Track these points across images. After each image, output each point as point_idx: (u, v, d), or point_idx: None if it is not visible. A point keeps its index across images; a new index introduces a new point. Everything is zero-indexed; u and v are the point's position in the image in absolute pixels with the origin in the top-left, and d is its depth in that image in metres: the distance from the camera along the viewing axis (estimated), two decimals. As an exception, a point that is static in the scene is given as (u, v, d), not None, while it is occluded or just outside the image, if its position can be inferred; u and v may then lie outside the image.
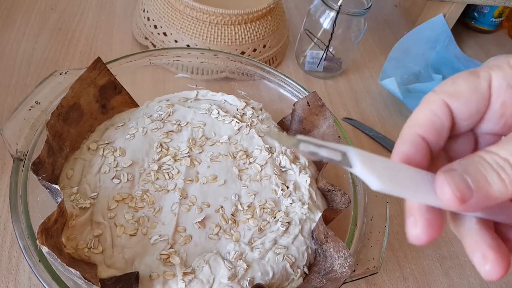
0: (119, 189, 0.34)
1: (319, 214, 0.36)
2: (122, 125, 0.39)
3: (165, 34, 0.53)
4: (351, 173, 0.39)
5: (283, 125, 0.44)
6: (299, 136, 0.16)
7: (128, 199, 0.34)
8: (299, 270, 0.33)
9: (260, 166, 0.38)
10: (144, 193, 0.34)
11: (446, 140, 0.17)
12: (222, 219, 0.34)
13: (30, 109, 0.35)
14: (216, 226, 0.34)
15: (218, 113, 0.41)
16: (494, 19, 0.72)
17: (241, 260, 0.32)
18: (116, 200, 0.33)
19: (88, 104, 0.37)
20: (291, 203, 0.36)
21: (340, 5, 0.50)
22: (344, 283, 0.29)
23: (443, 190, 0.15)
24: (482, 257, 0.16)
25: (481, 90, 0.16)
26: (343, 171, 0.39)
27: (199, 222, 0.33)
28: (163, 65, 0.46)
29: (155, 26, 0.54)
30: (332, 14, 0.52)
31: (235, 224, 0.34)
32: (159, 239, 0.32)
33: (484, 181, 0.15)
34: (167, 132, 0.38)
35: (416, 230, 0.16)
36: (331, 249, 0.32)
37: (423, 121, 0.17)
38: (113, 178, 0.34)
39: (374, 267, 0.32)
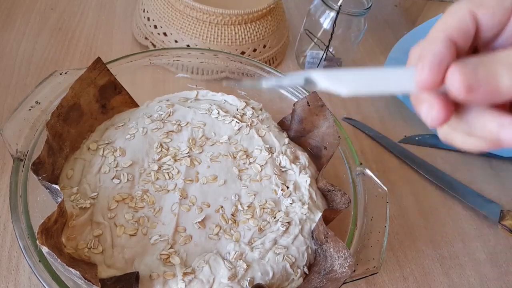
0: (119, 189, 0.34)
1: (319, 214, 0.36)
2: (122, 125, 0.39)
3: (165, 34, 0.53)
4: (351, 173, 0.39)
5: (283, 125, 0.44)
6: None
7: (128, 199, 0.34)
8: (299, 270, 0.33)
9: (260, 166, 0.38)
10: (144, 193, 0.34)
11: (469, 47, 0.18)
12: (222, 219, 0.34)
13: (30, 109, 0.35)
14: (216, 226, 0.34)
15: (218, 113, 0.41)
16: (494, 19, 0.72)
17: (241, 260, 0.32)
18: (116, 200, 0.33)
19: (88, 104, 0.37)
20: (291, 203, 0.36)
21: (340, 5, 0.50)
22: (344, 283, 0.29)
23: (453, 78, 0.16)
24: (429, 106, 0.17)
25: (506, 4, 0.17)
26: (343, 172, 0.39)
27: (199, 222, 0.33)
28: (163, 65, 0.46)
29: (155, 26, 0.54)
30: (332, 14, 0.52)
31: (235, 224, 0.34)
32: (159, 239, 0.32)
33: (494, 75, 0.15)
34: (167, 132, 0.38)
35: (433, 112, 0.17)
36: (331, 249, 0.32)
37: (453, 25, 0.17)
38: (113, 178, 0.34)
39: (374, 267, 0.32)
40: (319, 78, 0.18)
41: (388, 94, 0.18)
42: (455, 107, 0.18)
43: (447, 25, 0.18)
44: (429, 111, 0.17)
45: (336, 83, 0.18)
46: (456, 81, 0.16)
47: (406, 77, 0.18)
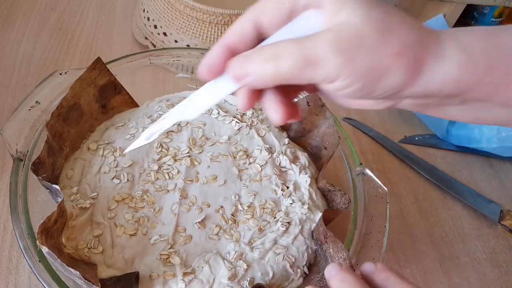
0: (119, 189, 0.34)
1: (319, 214, 0.36)
2: (122, 125, 0.39)
3: (165, 34, 0.53)
4: (351, 173, 0.39)
5: (283, 125, 0.44)
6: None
7: (128, 199, 0.34)
8: (299, 270, 0.33)
9: (260, 166, 0.38)
10: (144, 193, 0.34)
11: (252, 46, 0.22)
12: (222, 219, 0.34)
13: (30, 109, 0.35)
14: (216, 226, 0.34)
15: (218, 113, 0.41)
16: (494, 19, 0.72)
17: (241, 260, 0.32)
18: (116, 200, 0.33)
19: (88, 104, 0.37)
20: (291, 203, 0.36)
21: (340, 5, 0.50)
22: None
23: (228, 72, 0.21)
24: (274, 110, 0.22)
25: (284, 11, 0.21)
26: (343, 171, 0.39)
27: (199, 222, 0.33)
28: (163, 65, 0.46)
29: (155, 26, 0.54)
30: (332, 14, 0.52)
31: (235, 224, 0.34)
32: (159, 239, 0.32)
33: (255, 65, 0.20)
34: (167, 132, 0.38)
35: (278, 115, 0.22)
36: (331, 250, 0.32)
37: (233, 33, 0.22)
38: (113, 178, 0.34)
39: (374, 267, 0.32)
40: (173, 120, 0.24)
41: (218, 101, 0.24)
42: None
43: (228, 34, 0.22)
44: (274, 113, 0.22)
45: (185, 115, 0.23)
46: (230, 74, 0.21)
47: (219, 85, 0.22)
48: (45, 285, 0.28)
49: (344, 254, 0.30)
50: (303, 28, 0.20)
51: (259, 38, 0.22)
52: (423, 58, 0.20)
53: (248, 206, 0.35)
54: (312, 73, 0.19)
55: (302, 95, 0.39)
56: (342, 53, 0.19)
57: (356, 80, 0.20)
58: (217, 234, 0.33)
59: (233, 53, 0.21)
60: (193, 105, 0.23)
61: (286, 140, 0.41)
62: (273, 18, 0.21)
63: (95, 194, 0.33)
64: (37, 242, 0.26)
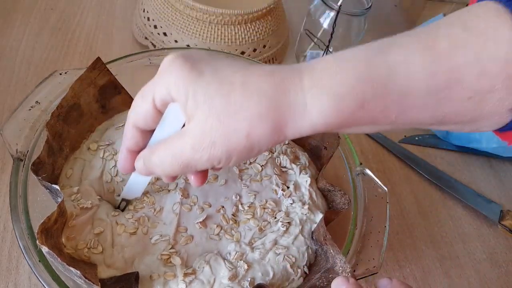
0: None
1: (319, 215, 0.36)
2: (122, 126, 0.38)
3: (165, 34, 0.53)
4: (351, 173, 0.39)
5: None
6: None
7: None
8: (299, 270, 0.33)
9: (261, 166, 0.38)
10: (145, 195, 0.34)
11: (145, 142, 0.26)
12: (223, 219, 0.34)
13: (30, 109, 0.35)
14: (217, 226, 0.34)
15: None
16: (494, 19, 0.72)
17: (242, 261, 0.32)
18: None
19: (88, 104, 0.37)
20: (291, 203, 0.36)
21: (340, 5, 0.50)
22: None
23: (136, 167, 0.26)
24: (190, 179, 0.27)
25: (151, 113, 0.24)
26: (343, 172, 0.39)
27: (200, 222, 0.33)
28: (163, 65, 0.46)
29: (155, 26, 0.54)
30: (332, 14, 0.52)
31: (235, 224, 0.34)
32: (160, 239, 0.32)
33: (154, 169, 0.25)
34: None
35: (193, 181, 0.27)
36: (331, 251, 0.32)
37: (128, 141, 0.26)
38: (114, 189, 0.34)
39: (374, 267, 0.32)
40: (126, 196, 0.33)
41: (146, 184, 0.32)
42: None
43: (124, 140, 0.26)
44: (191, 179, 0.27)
45: (132, 194, 0.33)
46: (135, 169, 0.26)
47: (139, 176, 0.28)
48: (45, 285, 0.28)
49: (342, 258, 0.30)
50: (173, 123, 0.24)
51: (147, 132, 0.25)
52: (279, 122, 0.21)
53: (249, 206, 0.35)
54: (193, 168, 0.23)
55: None
56: (200, 152, 0.21)
57: (230, 161, 0.22)
58: (218, 234, 0.33)
59: (133, 153, 0.26)
60: (132, 189, 0.32)
61: (286, 140, 0.41)
62: (146, 120, 0.24)
63: (99, 197, 0.33)
64: (37, 242, 0.26)
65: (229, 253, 0.32)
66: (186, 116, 0.22)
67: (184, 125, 0.23)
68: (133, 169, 0.26)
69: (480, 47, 0.19)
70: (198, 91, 0.21)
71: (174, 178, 0.29)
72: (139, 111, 0.24)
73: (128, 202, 0.33)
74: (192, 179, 0.27)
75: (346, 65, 0.20)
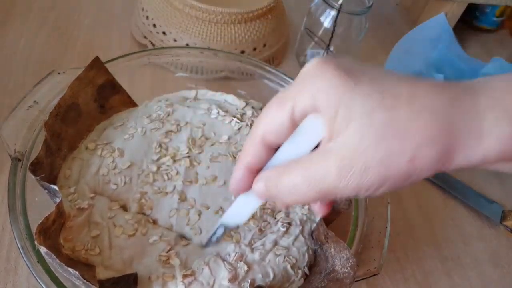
0: (117, 192, 0.34)
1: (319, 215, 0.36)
2: (120, 125, 0.38)
3: (164, 33, 0.53)
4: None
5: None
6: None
7: (125, 205, 0.33)
8: (300, 271, 0.33)
9: (260, 166, 0.38)
10: (143, 196, 0.34)
11: (268, 159, 0.22)
12: (222, 220, 0.34)
13: (28, 109, 0.35)
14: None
15: (218, 113, 0.40)
16: (495, 18, 0.72)
17: (242, 262, 0.31)
18: (114, 201, 0.33)
19: (86, 104, 0.37)
20: (291, 204, 0.36)
21: (341, 4, 0.50)
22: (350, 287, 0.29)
23: (256, 195, 0.22)
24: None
25: (285, 125, 0.20)
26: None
27: (197, 227, 0.33)
28: (162, 64, 0.45)
29: (154, 25, 0.53)
30: (333, 13, 0.52)
31: (235, 225, 0.34)
32: (158, 240, 0.32)
33: (279, 196, 0.21)
34: (166, 132, 0.38)
35: (319, 210, 0.24)
36: (332, 250, 0.31)
37: (250, 157, 0.22)
38: (110, 180, 0.34)
39: (375, 268, 0.32)
40: (227, 222, 0.27)
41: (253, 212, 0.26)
42: None
43: (244, 155, 0.22)
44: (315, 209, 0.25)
45: (236, 220, 0.27)
46: (256, 194, 0.22)
47: (252, 195, 0.23)
48: (43, 286, 0.27)
49: (347, 253, 0.29)
50: (307, 139, 0.20)
51: (272, 148, 0.21)
52: (450, 148, 0.17)
53: (248, 207, 0.35)
54: (331, 197, 0.19)
55: None
56: (349, 178, 0.18)
57: (379, 189, 0.18)
58: None
59: (253, 171, 0.22)
60: (235, 217, 0.27)
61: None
62: (278, 133, 0.20)
63: (93, 195, 0.33)
64: (35, 242, 0.26)
65: (229, 254, 0.32)
66: (330, 132, 0.18)
67: (318, 144, 0.20)
68: (244, 190, 0.23)
69: None
70: (354, 103, 0.17)
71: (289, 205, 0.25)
72: (272, 121, 0.20)
73: (224, 232, 0.28)
74: (317, 207, 0.23)
75: None
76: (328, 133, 0.18)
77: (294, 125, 0.20)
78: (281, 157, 0.21)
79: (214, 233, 0.28)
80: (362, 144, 0.17)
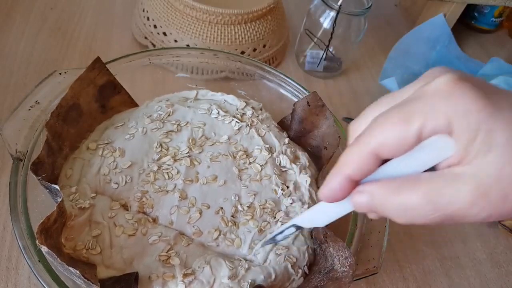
0: (118, 191, 0.34)
1: (319, 214, 0.36)
2: (121, 125, 0.38)
3: (164, 33, 0.53)
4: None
5: (283, 125, 0.43)
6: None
7: (126, 204, 0.34)
8: (300, 270, 0.33)
9: (260, 166, 0.38)
10: (143, 195, 0.34)
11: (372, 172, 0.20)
12: (222, 221, 0.34)
13: (29, 109, 0.35)
14: (215, 230, 0.33)
15: (218, 113, 0.41)
16: (494, 19, 0.72)
17: (243, 260, 0.32)
18: (116, 201, 0.33)
19: (87, 104, 0.37)
20: (291, 203, 0.36)
21: (340, 5, 0.50)
22: (348, 287, 0.29)
23: (356, 203, 0.21)
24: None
25: (408, 141, 0.18)
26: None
27: (198, 226, 0.33)
28: (162, 64, 0.46)
29: (155, 26, 0.54)
30: (332, 13, 0.52)
31: (235, 227, 0.34)
32: (159, 239, 0.32)
33: (377, 204, 0.20)
34: (166, 132, 0.38)
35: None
36: (331, 249, 0.32)
37: (354, 168, 0.20)
38: (112, 179, 0.34)
39: (374, 267, 0.32)
40: (303, 223, 0.27)
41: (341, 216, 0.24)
42: None
43: (348, 165, 0.20)
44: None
45: (313, 225, 0.27)
46: (357, 204, 0.21)
47: (343, 204, 0.22)
48: (44, 285, 0.27)
49: (346, 252, 0.30)
50: (429, 158, 0.18)
51: (380, 160, 0.20)
52: None
53: (248, 207, 0.35)
54: (455, 222, 0.18)
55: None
56: (487, 204, 0.17)
57: (506, 217, 0.18)
58: (216, 239, 0.33)
59: (353, 182, 0.20)
60: (314, 220, 0.25)
61: (286, 140, 0.41)
62: (396, 148, 0.19)
63: (94, 195, 0.33)
64: (37, 241, 0.26)
65: (230, 256, 0.32)
66: (462, 156, 0.17)
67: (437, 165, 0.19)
68: (340, 199, 0.21)
69: None
70: (496, 130, 0.17)
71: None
72: (392, 135, 0.18)
73: (296, 231, 0.27)
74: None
75: None
76: (460, 156, 0.18)
77: (418, 142, 0.18)
78: (391, 170, 0.19)
79: (281, 232, 0.28)
80: (504, 172, 0.17)
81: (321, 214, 0.24)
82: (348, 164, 0.20)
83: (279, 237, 0.29)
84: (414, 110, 0.18)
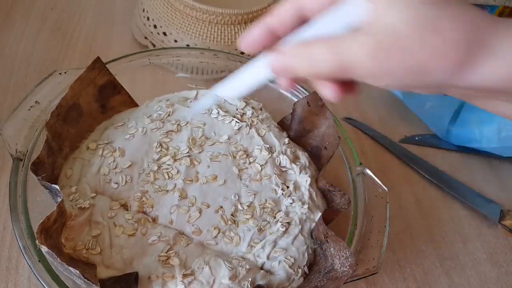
0: (118, 191, 0.34)
1: (319, 214, 0.36)
2: (121, 125, 0.38)
3: (164, 33, 0.53)
4: (351, 173, 0.39)
5: (283, 125, 0.44)
6: None
7: (126, 204, 0.34)
8: (299, 270, 0.33)
9: (260, 165, 0.38)
10: (143, 194, 0.34)
11: (292, 29, 0.22)
12: (221, 220, 0.34)
13: (29, 109, 0.35)
14: (215, 228, 0.33)
15: (218, 112, 0.41)
16: (494, 19, 0.72)
17: (243, 261, 0.32)
18: (115, 201, 0.33)
19: (87, 104, 0.37)
20: (291, 203, 0.36)
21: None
22: (344, 282, 0.29)
23: (267, 65, 0.22)
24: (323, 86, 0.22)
25: None
26: (343, 172, 0.39)
27: (198, 225, 0.33)
28: (162, 64, 0.46)
29: (155, 26, 0.54)
30: (332, 13, 0.52)
31: (234, 225, 0.34)
32: (158, 240, 0.32)
33: (293, 65, 0.21)
34: (166, 132, 0.38)
35: (331, 92, 0.22)
36: (331, 249, 0.32)
37: (276, 18, 0.22)
38: (111, 179, 0.34)
39: (374, 267, 0.32)
40: (223, 93, 0.25)
41: (261, 84, 0.24)
42: None
43: (270, 15, 0.22)
44: (328, 92, 0.23)
45: (234, 92, 0.25)
46: (268, 66, 0.22)
47: (262, 66, 0.22)
48: (44, 285, 0.28)
49: (347, 252, 0.30)
50: (343, 19, 0.19)
51: (300, 19, 0.22)
52: (468, 58, 0.19)
53: (248, 206, 0.35)
54: (348, 75, 0.20)
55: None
56: (377, 58, 0.19)
57: (394, 80, 0.20)
58: (216, 237, 0.33)
59: (272, 34, 0.22)
60: (231, 88, 0.25)
61: (286, 140, 0.41)
62: (315, 2, 0.21)
63: (94, 194, 0.33)
64: (37, 241, 0.26)
65: (229, 256, 0.32)
66: (372, 16, 0.19)
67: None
68: (255, 48, 0.22)
69: None
70: None
71: (293, 84, 0.24)
72: None
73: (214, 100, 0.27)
74: (329, 91, 0.22)
75: None
76: (372, 16, 0.19)
77: (333, 1, 0.20)
78: (309, 31, 0.20)
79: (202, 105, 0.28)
80: (399, 29, 0.18)
81: (239, 81, 0.24)
82: (272, 15, 0.22)
83: (197, 106, 0.29)
84: None
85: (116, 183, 0.34)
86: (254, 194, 0.36)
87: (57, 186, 0.28)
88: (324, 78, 0.21)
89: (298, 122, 0.41)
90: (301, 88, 0.44)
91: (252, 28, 0.23)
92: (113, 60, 0.40)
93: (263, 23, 0.22)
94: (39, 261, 0.28)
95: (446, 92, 0.22)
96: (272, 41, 0.22)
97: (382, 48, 0.19)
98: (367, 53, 0.19)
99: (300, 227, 0.35)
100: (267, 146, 0.39)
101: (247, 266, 0.31)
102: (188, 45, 0.52)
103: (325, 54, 0.20)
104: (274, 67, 0.22)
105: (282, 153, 0.39)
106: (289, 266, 0.32)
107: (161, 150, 0.37)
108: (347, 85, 0.22)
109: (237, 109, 0.42)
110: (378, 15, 0.19)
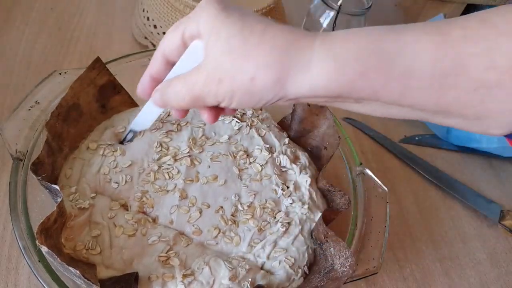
0: (118, 191, 0.34)
1: (319, 214, 0.36)
2: (122, 130, 0.38)
3: (164, 34, 0.53)
4: (351, 173, 0.39)
5: (283, 125, 0.44)
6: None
7: (126, 204, 0.34)
8: (299, 270, 0.33)
9: (261, 166, 0.38)
10: (144, 194, 0.34)
11: (167, 73, 0.27)
12: (221, 220, 0.34)
13: (29, 109, 0.35)
14: (215, 229, 0.33)
15: (218, 113, 0.41)
16: (494, 19, 0.72)
17: (243, 261, 0.32)
18: (115, 201, 0.33)
19: (87, 104, 0.37)
20: (291, 203, 0.36)
21: (340, 5, 0.50)
22: (344, 282, 0.29)
23: (153, 98, 0.28)
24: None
25: (177, 44, 0.25)
26: (343, 172, 0.39)
27: (198, 225, 0.33)
28: (162, 65, 0.46)
29: (155, 26, 0.54)
30: (332, 14, 0.52)
31: (235, 225, 0.34)
32: (158, 240, 0.32)
33: (169, 100, 0.26)
34: (166, 132, 0.38)
35: (206, 117, 0.27)
36: (331, 249, 0.32)
37: (153, 69, 0.28)
38: (112, 179, 0.34)
39: (374, 267, 0.32)
40: (135, 127, 0.35)
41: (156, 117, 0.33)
42: None
43: (149, 66, 0.28)
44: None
45: (142, 126, 0.35)
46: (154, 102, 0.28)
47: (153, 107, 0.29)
48: (44, 285, 0.28)
49: (347, 252, 0.30)
50: (192, 58, 0.25)
51: (170, 64, 0.27)
52: (283, 74, 0.22)
53: (248, 206, 0.35)
54: (203, 103, 0.24)
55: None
56: (210, 86, 0.23)
57: (232, 101, 0.23)
58: (216, 237, 0.33)
59: (155, 81, 0.28)
60: (143, 120, 0.33)
61: (286, 140, 0.41)
62: (172, 51, 0.26)
63: (94, 194, 0.33)
64: (37, 241, 0.26)
65: (229, 256, 0.32)
66: (205, 53, 0.23)
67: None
68: (149, 95, 0.28)
69: (492, 39, 0.19)
70: (222, 29, 0.22)
71: (184, 113, 0.29)
72: (169, 41, 0.26)
73: (134, 135, 0.36)
74: (206, 116, 0.27)
75: (359, 35, 0.21)
76: (205, 54, 0.23)
77: (184, 46, 0.25)
78: (174, 71, 0.26)
79: (125, 137, 0.36)
80: (220, 61, 0.22)
81: (144, 115, 0.32)
82: (151, 65, 0.28)
83: (124, 142, 0.36)
84: (182, 21, 0.25)
85: (116, 182, 0.34)
86: (254, 194, 0.36)
87: (57, 186, 0.28)
88: (197, 107, 0.26)
89: (298, 122, 0.41)
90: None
91: (142, 78, 0.28)
92: (113, 60, 0.40)
93: (147, 73, 0.28)
94: (39, 261, 0.28)
95: (288, 103, 0.24)
96: (158, 84, 0.28)
97: (214, 79, 0.23)
98: (204, 84, 0.23)
99: (300, 227, 0.35)
100: (267, 146, 0.39)
101: (247, 266, 0.31)
102: (188, 45, 0.52)
103: (182, 88, 0.25)
104: (156, 103, 0.27)
105: (282, 153, 0.39)
106: (289, 266, 0.32)
107: (161, 150, 0.37)
108: (219, 109, 0.27)
109: (237, 109, 0.42)
110: (208, 51, 0.23)
